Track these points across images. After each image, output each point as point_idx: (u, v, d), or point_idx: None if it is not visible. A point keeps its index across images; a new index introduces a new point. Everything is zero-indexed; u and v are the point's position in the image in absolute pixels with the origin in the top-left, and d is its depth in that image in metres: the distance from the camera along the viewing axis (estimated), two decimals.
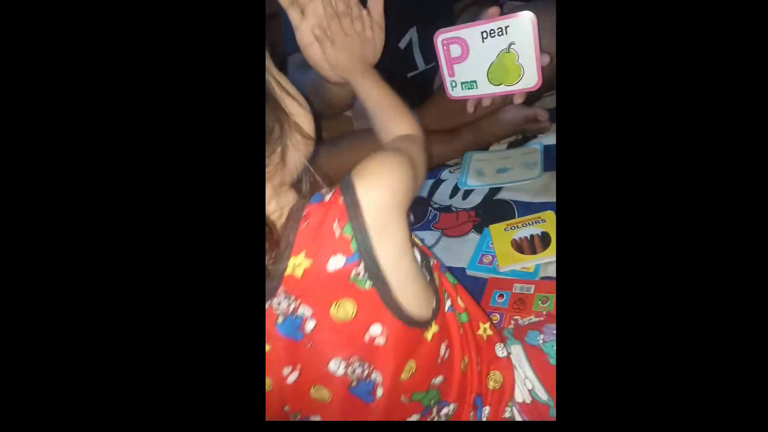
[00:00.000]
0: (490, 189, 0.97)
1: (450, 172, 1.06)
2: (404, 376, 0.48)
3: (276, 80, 0.47)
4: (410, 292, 0.47)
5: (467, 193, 0.98)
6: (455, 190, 1.01)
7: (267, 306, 0.45)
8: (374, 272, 0.44)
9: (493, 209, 0.92)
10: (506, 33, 0.71)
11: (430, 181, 1.06)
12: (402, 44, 1.09)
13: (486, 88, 0.75)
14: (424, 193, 1.04)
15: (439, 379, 0.52)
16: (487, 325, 0.59)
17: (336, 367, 0.47)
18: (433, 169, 1.09)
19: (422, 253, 0.53)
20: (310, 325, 0.45)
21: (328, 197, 0.45)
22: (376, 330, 0.46)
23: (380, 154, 0.50)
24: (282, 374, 0.48)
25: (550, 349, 0.56)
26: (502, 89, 0.75)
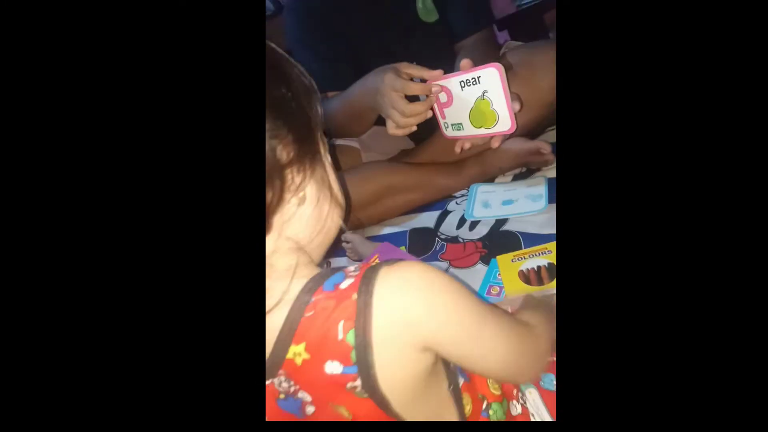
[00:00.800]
0: (497, 220, 0.99)
1: (456, 203, 1.09)
2: None
3: (324, 146, 0.46)
4: (420, 413, 0.43)
5: (474, 225, 1.01)
6: (462, 221, 1.03)
7: (268, 383, 0.43)
8: (373, 390, 0.40)
9: (500, 240, 0.94)
10: (479, 82, 0.83)
11: (437, 212, 1.08)
12: None
13: (470, 131, 0.87)
14: (431, 224, 1.06)
15: None
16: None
17: None
18: (440, 201, 1.11)
19: (449, 373, 0.48)
20: (310, 410, 0.43)
21: (345, 284, 0.41)
22: None
23: (429, 268, 0.42)
24: None
25: None
26: (483, 132, 0.87)
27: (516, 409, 0.56)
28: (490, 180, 1.11)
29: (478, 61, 0.83)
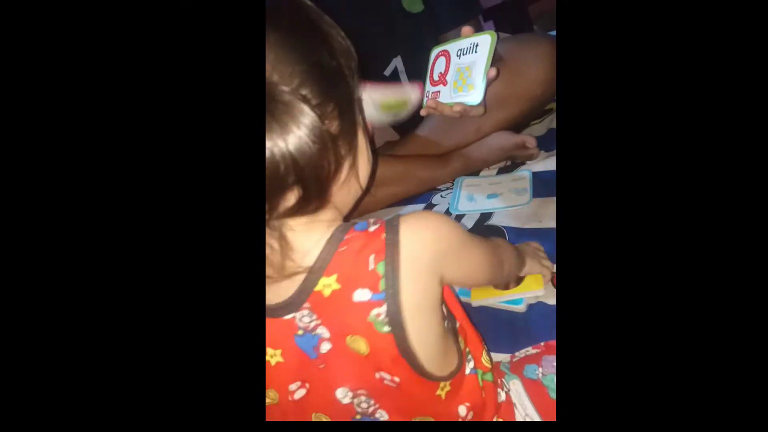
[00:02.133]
0: (482, 214, 0.98)
1: (441, 196, 1.08)
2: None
3: (360, 121, 0.47)
4: (429, 347, 0.46)
5: (459, 218, 1.00)
6: (447, 214, 1.03)
7: (290, 317, 0.45)
8: (395, 318, 0.44)
9: (485, 234, 0.93)
10: (476, 51, 0.77)
11: (422, 206, 1.07)
12: (387, 72, 1.11)
13: (446, 96, 0.81)
14: None
15: None
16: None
17: (343, 395, 0.47)
18: (424, 194, 1.10)
19: (449, 315, 0.53)
20: (325, 347, 0.45)
21: (372, 228, 0.45)
22: (387, 373, 0.46)
23: (437, 214, 0.51)
24: (289, 389, 0.48)
25: (550, 382, 0.57)
26: (459, 100, 0.79)
27: (500, 397, 0.56)
28: (475, 173, 1.10)
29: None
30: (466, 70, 0.78)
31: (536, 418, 0.56)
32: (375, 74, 1.11)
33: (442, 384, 0.49)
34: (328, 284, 0.43)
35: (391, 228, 0.44)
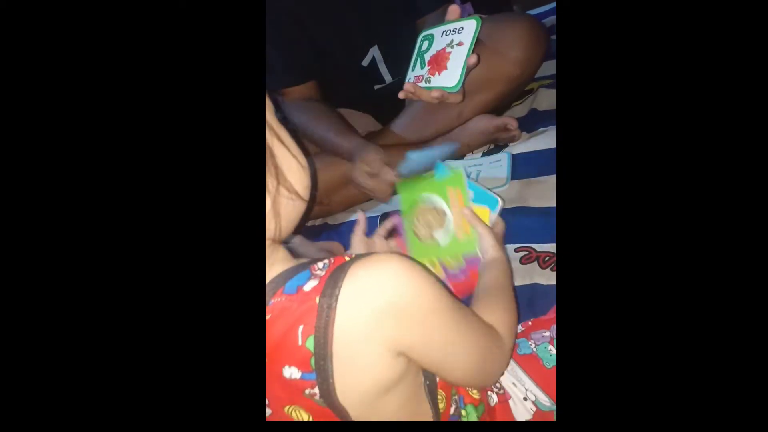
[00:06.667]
0: None
1: None
2: None
3: (276, 134, 0.40)
4: (387, 418, 0.40)
5: None
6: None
7: None
8: (330, 401, 0.37)
9: None
10: (458, 33, 0.75)
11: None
12: (365, 62, 1.10)
13: (426, 82, 0.78)
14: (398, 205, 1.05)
15: None
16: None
17: None
18: None
19: (425, 374, 0.44)
20: (267, 411, 0.42)
21: (308, 286, 0.37)
22: None
23: (404, 260, 0.38)
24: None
25: (544, 352, 0.55)
26: (437, 84, 0.77)
27: (492, 400, 0.54)
28: (459, 157, 1.09)
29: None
30: (447, 54, 0.76)
31: (535, 389, 0.54)
32: (353, 66, 1.09)
33: None
34: None
35: (332, 287, 0.36)
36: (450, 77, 0.75)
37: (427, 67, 0.79)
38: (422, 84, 0.78)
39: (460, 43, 0.74)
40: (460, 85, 0.74)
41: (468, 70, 0.74)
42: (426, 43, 0.80)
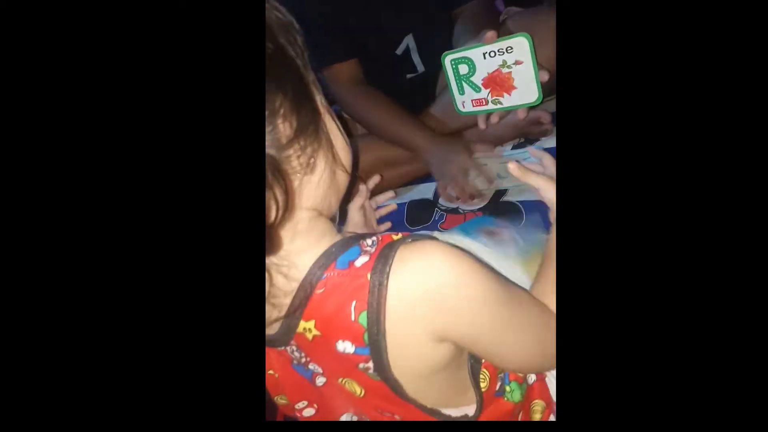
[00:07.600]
0: (496, 192, 0.98)
1: None
2: None
3: (328, 111, 0.41)
4: (434, 396, 0.41)
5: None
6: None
7: (282, 349, 0.42)
8: (386, 375, 0.38)
9: (501, 211, 0.92)
10: (507, 52, 0.73)
11: (434, 184, 1.06)
12: (399, 51, 1.10)
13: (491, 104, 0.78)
14: (429, 195, 1.05)
15: None
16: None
17: (349, 418, 0.45)
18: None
19: (472, 357, 0.45)
20: (320, 381, 0.43)
21: (359, 262, 0.37)
22: (388, 412, 0.42)
23: (452, 248, 0.38)
24: (296, 407, 0.47)
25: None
26: (505, 103, 0.77)
27: (531, 378, 0.54)
28: (489, 151, 1.09)
29: (480, 29, 0.79)
30: (507, 75, 0.75)
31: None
32: (387, 55, 1.10)
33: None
34: (308, 328, 0.39)
35: (382, 264, 0.36)
36: (526, 94, 0.74)
37: (484, 90, 0.78)
38: (489, 106, 0.78)
39: (517, 62, 0.73)
40: (542, 97, 0.74)
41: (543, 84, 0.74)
42: (465, 67, 0.78)
